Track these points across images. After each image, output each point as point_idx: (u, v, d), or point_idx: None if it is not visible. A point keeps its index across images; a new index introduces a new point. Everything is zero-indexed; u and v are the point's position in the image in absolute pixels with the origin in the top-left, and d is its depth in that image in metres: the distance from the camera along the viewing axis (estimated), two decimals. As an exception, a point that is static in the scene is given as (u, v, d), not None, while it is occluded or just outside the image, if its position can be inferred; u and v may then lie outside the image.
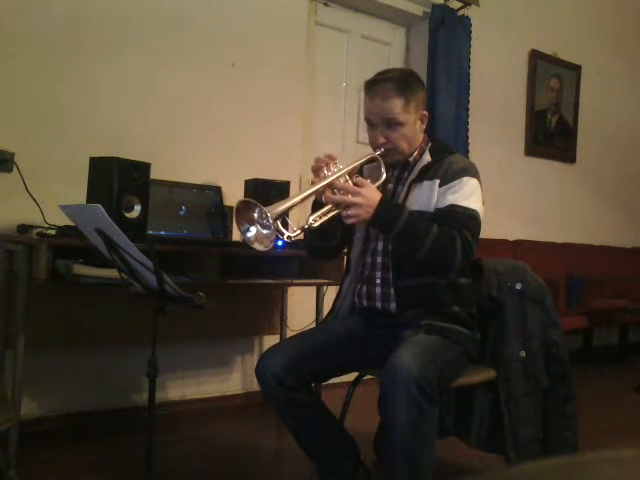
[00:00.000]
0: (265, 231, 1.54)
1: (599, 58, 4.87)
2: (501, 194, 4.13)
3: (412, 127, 1.82)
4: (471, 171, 1.79)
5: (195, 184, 2.75)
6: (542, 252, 4.28)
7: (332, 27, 3.66)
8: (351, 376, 1.96)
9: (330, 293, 2.59)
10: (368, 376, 1.94)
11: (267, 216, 1.51)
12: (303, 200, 1.64)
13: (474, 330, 1.83)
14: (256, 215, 1.55)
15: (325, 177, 1.67)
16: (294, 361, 1.74)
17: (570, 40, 4.66)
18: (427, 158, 1.84)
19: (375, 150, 1.82)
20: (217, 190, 2.79)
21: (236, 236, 2.77)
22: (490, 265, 2.00)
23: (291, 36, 3.26)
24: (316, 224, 1.64)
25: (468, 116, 3.90)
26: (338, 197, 1.64)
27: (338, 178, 1.67)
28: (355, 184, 1.67)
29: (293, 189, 2.79)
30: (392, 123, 1.78)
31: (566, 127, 4.73)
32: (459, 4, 3.86)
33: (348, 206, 1.63)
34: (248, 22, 3.09)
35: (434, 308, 1.78)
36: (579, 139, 4.82)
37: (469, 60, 3.90)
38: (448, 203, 1.74)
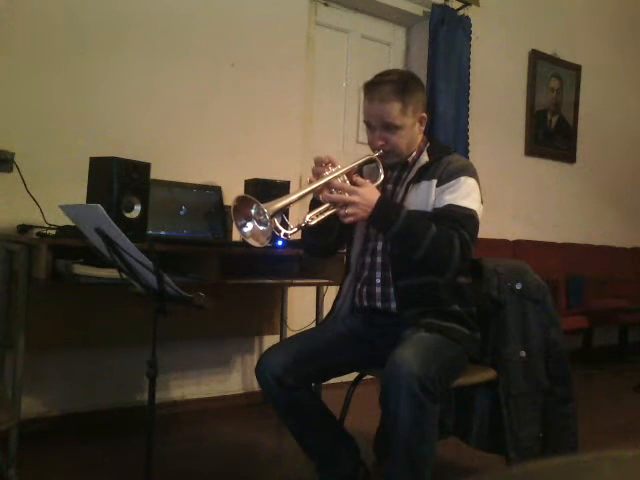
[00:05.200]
0: (262, 227, 1.55)
1: (599, 58, 4.87)
2: (501, 194, 4.13)
3: (410, 130, 1.82)
4: (469, 170, 1.80)
5: (195, 184, 2.75)
6: (542, 252, 4.28)
7: (332, 27, 3.66)
8: (351, 376, 1.96)
9: (330, 293, 2.59)
10: (368, 376, 1.94)
11: (264, 212, 1.51)
12: (300, 198, 1.65)
13: (474, 329, 1.84)
14: (253, 211, 1.56)
15: (324, 176, 1.67)
16: (294, 361, 1.74)
17: (570, 40, 4.66)
18: (425, 158, 1.84)
19: (374, 151, 1.82)
20: (217, 190, 2.79)
21: (236, 236, 2.77)
22: (490, 265, 2.00)
23: (291, 36, 3.26)
24: (313, 222, 1.64)
25: (468, 116, 3.90)
26: (335, 196, 1.64)
27: (336, 177, 1.67)
28: (354, 183, 1.68)
29: (293, 189, 2.79)
30: (390, 126, 1.78)
31: (566, 127, 4.73)
32: (459, 4, 3.86)
33: (346, 205, 1.63)
34: (248, 22, 3.09)
35: (434, 307, 1.78)
36: (579, 139, 4.82)
37: (469, 60, 3.89)
38: (446, 203, 1.74)
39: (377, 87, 1.79)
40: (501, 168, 4.22)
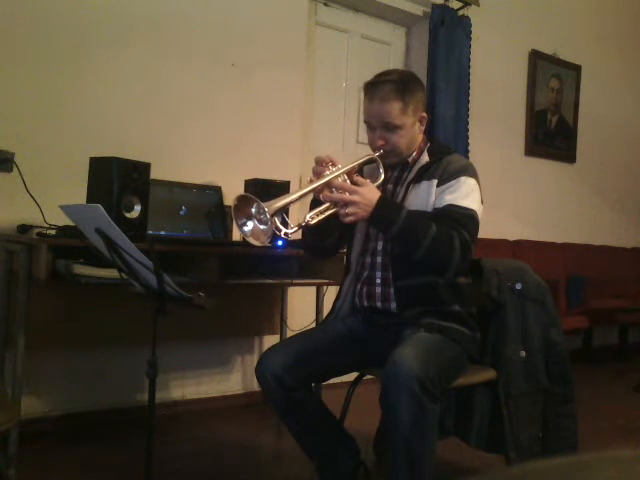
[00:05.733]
0: (262, 226, 1.55)
1: (599, 58, 4.87)
2: (501, 194, 4.13)
3: (410, 129, 1.82)
4: (469, 171, 1.80)
5: (195, 184, 2.75)
6: (542, 252, 4.28)
7: (332, 27, 3.66)
8: (351, 376, 1.96)
9: (330, 293, 2.59)
10: (368, 376, 1.94)
11: (265, 211, 1.51)
12: (301, 197, 1.64)
13: (474, 330, 1.84)
14: (254, 210, 1.56)
15: (324, 176, 1.67)
16: (294, 361, 1.74)
17: (570, 40, 4.66)
18: (425, 158, 1.84)
19: (374, 151, 1.83)
20: (217, 190, 2.79)
21: (236, 236, 2.77)
22: (490, 265, 2.00)
23: (291, 36, 3.26)
24: (313, 222, 1.64)
25: (468, 116, 3.90)
26: (336, 195, 1.64)
27: (336, 177, 1.67)
28: (354, 183, 1.67)
29: (293, 189, 2.79)
30: (390, 126, 1.78)
31: (566, 127, 4.73)
32: (459, 4, 3.86)
33: (346, 204, 1.63)
34: (248, 22, 3.09)
35: (434, 307, 1.78)
36: (579, 139, 4.82)
37: (469, 60, 3.89)
38: (446, 203, 1.74)
39: (377, 87, 1.79)
40: (501, 168, 4.22)
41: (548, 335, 1.97)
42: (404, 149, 1.83)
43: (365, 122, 1.84)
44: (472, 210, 1.74)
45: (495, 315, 1.96)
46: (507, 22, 4.24)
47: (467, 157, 3.62)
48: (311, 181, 1.67)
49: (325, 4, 3.61)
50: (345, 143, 3.74)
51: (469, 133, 3.90)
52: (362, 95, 1.87)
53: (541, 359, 1.95)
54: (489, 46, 4.09)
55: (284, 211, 1.58)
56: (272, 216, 1.51)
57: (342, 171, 1.69)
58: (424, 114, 1.86)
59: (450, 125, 3.79)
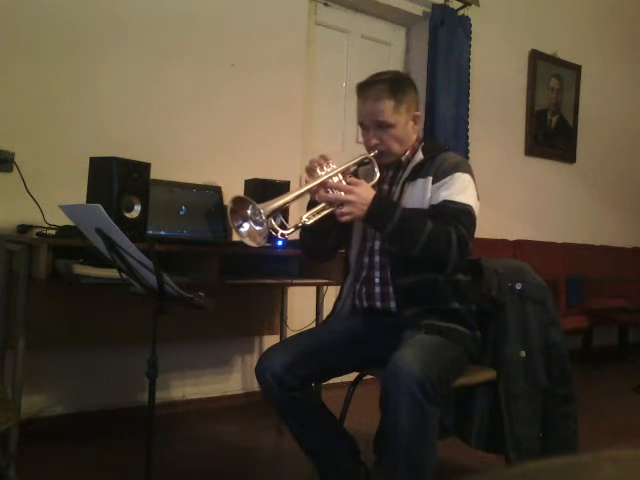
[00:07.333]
0: (258, 227, 1.55)
1: (599, 58, 4.87)
2: (501, 194, 4.13)
3: (403, 128, 1.82)
4: (463, 167, 1.80)
5: (195, 184, 2.75)
6: (542, 252, 4.28)
7: (332, 27, 3.66)
8: (351, 376, 1.96)
9: (330, 293, 2.59)
10: (368, 376, 1.94)
11: (260, 212, 1.52)
12: (296, 198, 1.65)
13: (474, 328, 1.83)
14: (249, 211, 1.56)
15: (319, 176, 1.67)
16: (294, 361, 1.74)
17: (570, 40, 4.66)
18: (420, 157, 1.85)
19: (369, 152, 1.83)
20: (217, 190, 2.79)
21: (236, 236, 2.77)
22: (490, 265, 2.00)
23: (291, 36, 3.26)
24: (309, 222, 1.65)
25: (468, 116, 3.89)
26: (332, 195, 1.65)
27: (331, 177, 1.68)
28: (349, 183, 1.68)
29: (293, 189, 2.79)
30: (383, 125, 1.79)
31: (566, 127, 4.73)
32: (459, 4, 3.86)
33: (342, 204, 1.63)
34: (248, 22, 3.09)
35: (434, 306, 1.78)
36: (579, 139, 4.82)
37: (469, 60, 3.89)
38: (442, 199, 1.74)
39: (370, 87, 1.80)
40: (501, 168, 4.22)
41: (548, 335, 1.97)
42: (397, 148, 1.83)
43: (359, 123, 1.86)
44: (468, 205, 1.74)
45: (495, 315, 1.96)
46: (507, 22, 4.24)
47: (467, 157, 3.62)
48: (307, 182, 1.68)
49: (325, 4, 3.61)
50: (345, 143, 3.74)
51: (469, 133, 3.90)
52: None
53: (541, 359, 1.95)
54: (489, 46, 4.09)
55: (283, 212, 1.58)
56: (267, 217, 1.51)
57: (337, 171, 1.70)
58: (418, 113, 1.87)
59: (450, 125, 3.79)
